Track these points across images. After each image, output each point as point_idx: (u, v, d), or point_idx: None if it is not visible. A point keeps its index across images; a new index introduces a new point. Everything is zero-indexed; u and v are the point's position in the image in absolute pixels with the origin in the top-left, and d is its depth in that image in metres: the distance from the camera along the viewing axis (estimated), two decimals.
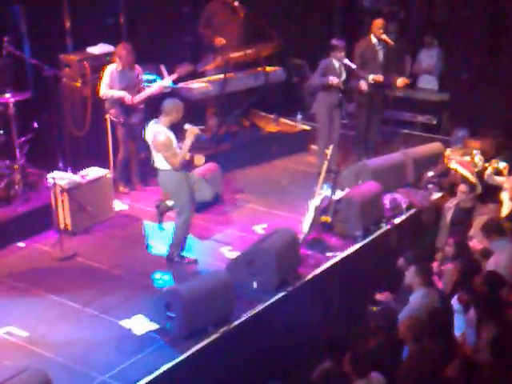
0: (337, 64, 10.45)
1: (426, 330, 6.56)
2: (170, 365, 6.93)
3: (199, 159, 8.43)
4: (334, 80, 10.31)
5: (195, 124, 8.45)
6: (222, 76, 11.19)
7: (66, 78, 10.25)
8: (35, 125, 9.80)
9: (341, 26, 13.66)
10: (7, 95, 9.32)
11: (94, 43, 10.48)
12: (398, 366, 6.56)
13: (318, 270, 8.49)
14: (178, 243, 8.57)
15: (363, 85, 10.67)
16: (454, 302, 7.42)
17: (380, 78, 10.71)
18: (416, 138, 11.82)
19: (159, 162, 8.30)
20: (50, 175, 9.15)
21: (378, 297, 8.14)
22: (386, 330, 7.15)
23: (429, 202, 9.99)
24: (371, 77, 10.65)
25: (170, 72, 10.15)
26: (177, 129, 8.39)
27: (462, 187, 9.40)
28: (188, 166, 8.46)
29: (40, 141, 9.90)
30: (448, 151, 10.58)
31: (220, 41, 11.13)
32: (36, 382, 6.14)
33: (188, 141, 8.19)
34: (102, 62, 10.17)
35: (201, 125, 9.32)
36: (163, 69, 10.20)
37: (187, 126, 8.27)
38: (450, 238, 8.62)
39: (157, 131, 8.19)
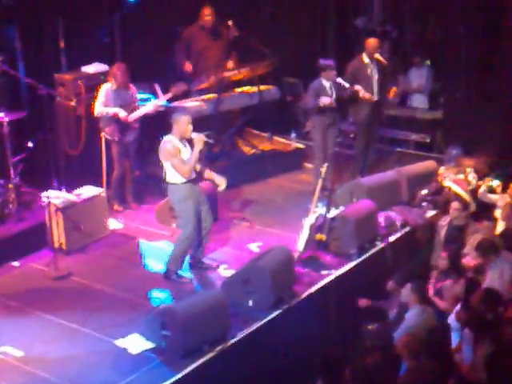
0: (327, 84, 10.40)
1: (423, 348, 6.55)
2: None
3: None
4: (325, 101, 10.31)
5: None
6: (216, 95, 11.21)
7: (61, 97, 10.25)
8: (30, 144, 9.83)
9: (334, 45, 13.72)
10: (1, 114, 9.34)
11: (89, 62, 10.51)
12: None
13: (313, 288, 8.49)
14: (177, 258, 8.57)
15: (364, 93, 10.65)
16: (451, 319, 7.42)
17: (371, 97, 10.73)
18: (409, 157, 11.81)
19: (168, 174, 8.37)
20: (44, 194, 9.13)
21: (361, 303, 8.23)
22: (380, 349, 7.14)
23: (423, 220, 10.01)
24: (362, 92, 10.65)
25: (165, 91, 10.18)
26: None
27: (455, 204, 9.38)
28: (197, 179, 8.50)
29: (34, 160, 9.94)
30: (442, 169, 10.58)
31: (188, 67, 11.24)
32: None
33: (196, 148, 8.24)
34: (96, 81, 10.20)
35: None
36: (157, 88, 10.22)
37: (194, 135, 8.30)
38: (443, 252, 8.65)
39: (165, 141, 8.32)
